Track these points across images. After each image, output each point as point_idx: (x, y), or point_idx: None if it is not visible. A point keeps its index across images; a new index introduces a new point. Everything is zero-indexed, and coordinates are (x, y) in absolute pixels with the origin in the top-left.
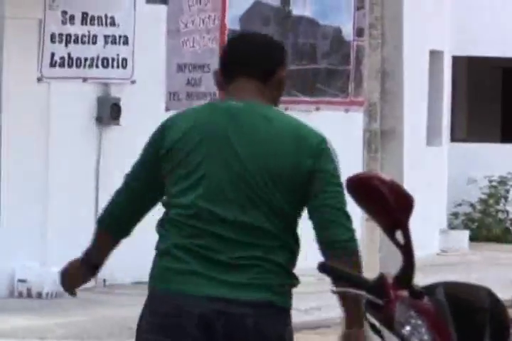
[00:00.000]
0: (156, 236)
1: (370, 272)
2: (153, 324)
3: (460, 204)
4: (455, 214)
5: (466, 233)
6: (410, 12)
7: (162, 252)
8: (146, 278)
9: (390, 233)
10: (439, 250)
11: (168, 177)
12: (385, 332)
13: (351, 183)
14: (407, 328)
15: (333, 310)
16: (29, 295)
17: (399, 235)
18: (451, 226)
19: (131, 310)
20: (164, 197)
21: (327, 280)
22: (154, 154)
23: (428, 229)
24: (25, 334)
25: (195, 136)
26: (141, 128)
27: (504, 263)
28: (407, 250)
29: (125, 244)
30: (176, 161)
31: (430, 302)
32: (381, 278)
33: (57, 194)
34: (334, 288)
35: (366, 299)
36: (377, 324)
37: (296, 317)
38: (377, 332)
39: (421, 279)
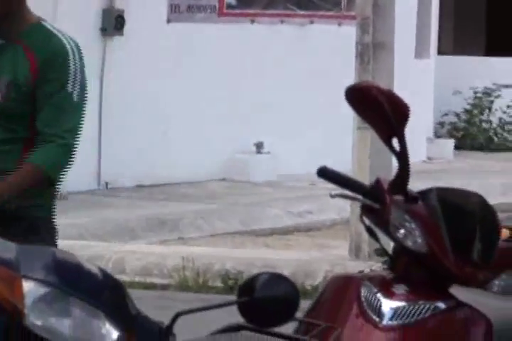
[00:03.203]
0: (154, 143)
1: (361, 178)
2: None
3: (446, 114)
4: (441, 124)
5: (452, 141)
6: None
7: None
8: (146, 181)
9: (386, 141)
10: (425, 157)
11: None
12: (380, 235)
13: (350, 93)
14: (402, 231)
15: (324, 213)
16: None
17: (395, 143)
18: (437, 135)
19: (133, 211)
20: None
21: (319, 185)
22: None
23: (415, 137)
24: None
25: None
26: (144, 39)
27: (487, 171)
28: (402, 156)
29: (126, 148)
30: None
31: (424, 206)
32: (377, 183)
33: None
34: (332, 192)
35: (363, 203)
36: (372, 226)
37: (289, 220)
38: (373, 234)
39: (411, 184)
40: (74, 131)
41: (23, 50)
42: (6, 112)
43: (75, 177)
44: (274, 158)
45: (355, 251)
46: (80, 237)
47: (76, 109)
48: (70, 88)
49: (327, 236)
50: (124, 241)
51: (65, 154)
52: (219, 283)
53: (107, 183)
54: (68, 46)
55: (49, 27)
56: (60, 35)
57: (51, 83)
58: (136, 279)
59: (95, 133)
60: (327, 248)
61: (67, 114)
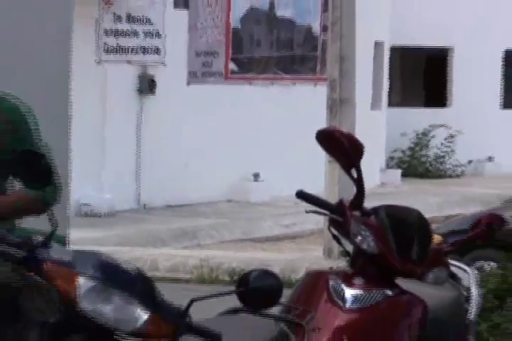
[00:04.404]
0: (179, 174)
1: (331, 199)
2: None
3: (395, 151)
4: (391, 158)
5: (399, 171)
6: (360, 12)
7: None
8: (173, 202)
9: (347, 170)
10: (379, 183)
11: None
12: (344, 241)
13: (320, 135)
14: (359, 238)
15: (305, 225)
16: (91, 215)
17: (353, 172)
18: (388, 166)
19: (163, 225)
20: None
21: (301, 204)
22: None
23: (372, 168)
24: (88, 243)
25: None
26: (170, 97)
27: (425, 193)
28: (359, 182)
29: (158, 178)
30: None
31: (375, 219)
32: (341, 202)
33: (112, 143)
34: (307, 209)
35: (330, 217)
36: (338, 235)
37: (279, 230)
38: (338, 240)
39: (367, 203)
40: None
41: None
42: None
43: (120, 200)
44: (267, 184)
45: (328, 253)
46: (124, 244)
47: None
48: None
49: (307, 242)
50: (156, 247)
51: (55, 190)
52: (227, 278)
53: (144, 205)
54: (15, 104)
55: None
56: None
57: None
58: (166, 275)
59: (135, 168)
60: (307, 251)
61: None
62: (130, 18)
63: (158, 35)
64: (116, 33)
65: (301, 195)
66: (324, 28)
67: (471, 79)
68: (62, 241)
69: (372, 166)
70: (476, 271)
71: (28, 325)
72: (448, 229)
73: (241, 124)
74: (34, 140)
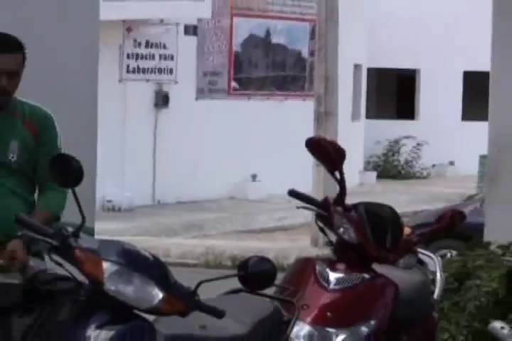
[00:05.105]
0: (188, 175)
1: (318, 197)
2: None
3: (371, 156)
4: (368, 162)
5: (374, 173)
6: (342, 39)
7: None
8: (184, 199)
9: (331, 172)
10: (358, 183)
11: None
12: (328, 232)
13: (308, 143)
14: (341, 229)
15: (295, 219)
16: (113, 210)
17: (337, 174)
18: (366, 169)
19: (175, 218)
20: None
21: (293, 201)
22: None
23: (352, 170)
24: (111, 233)
25: None
26: (181, 110)
27: (397, 192)
28: (341, 182)
29: (171, 178)
30: None
31: (355, 213)
32: (326, 199)
33: (132, 149)
34: (298, 205)
35: (317, 212)
36: (323, 227)
37: (273, 223)
38: (323, 232)
39: (348, 200)
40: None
41: (19, 119)
42: (19, 171)
43: (138, 197)
44: (264, 184)
45: (315, 243)
46: (142, 234)
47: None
48: (59, 144)
49: (297, 233)
50: (169, 236)
51: (64, 198)
52: (229, 263)
53: (159, 201)
54: (49, 112)
55: (26, 101)
56: (39, 105)
57: (46, 142)
58: (177, 261)
59: (151, 170)
60: (297, 240)
61: None
62: (148, 44)
63: (171, 58)
64: (137, 56)
65: (293, 193)
66: (311, 53)
67: (436, 96)
68: (90, 232)
69: (352, 169)
70: (439, 258)
71: (63, 302)
72: (416, 223)
73: (241, 133)
74: (60, 145)
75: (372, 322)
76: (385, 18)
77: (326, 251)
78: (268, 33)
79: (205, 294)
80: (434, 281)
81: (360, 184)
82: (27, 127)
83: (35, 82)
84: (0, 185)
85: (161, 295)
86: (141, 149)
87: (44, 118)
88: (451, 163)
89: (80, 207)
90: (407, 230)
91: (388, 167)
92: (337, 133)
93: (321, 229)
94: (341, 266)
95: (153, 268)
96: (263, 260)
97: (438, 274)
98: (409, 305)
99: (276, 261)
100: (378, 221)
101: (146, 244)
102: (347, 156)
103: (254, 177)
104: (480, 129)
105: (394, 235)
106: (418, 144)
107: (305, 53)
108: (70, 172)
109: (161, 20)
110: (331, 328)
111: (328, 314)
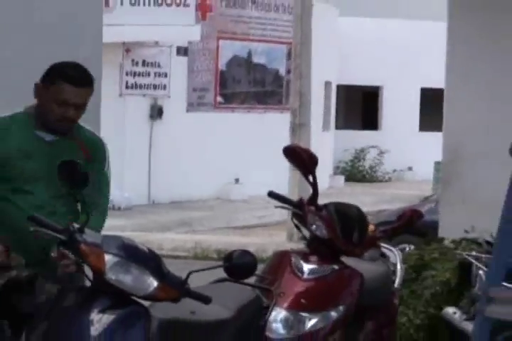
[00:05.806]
0: (180, 178)
1: (293, 197)
2: None
3: (340, 162)
4: (337, 167)
5: (343, 177)
6: (314, 59)
7: None
8: (176, 199)
9: (305, 176)
10: (328, 186)
11: None
12: (302, 229)
13: (285, 150)
14: (314, 226)
15: (273, 217)
16: (114, 209)
17: (310, 178)
18: (335, 174)
19: (168, 216)
20: None
21: (271, 202)
22: None
23: (323, 175)
24: (112, 230)
25: None
26: (174, 121)
27: (362, 193)
28: (314, 185)
29: (164, 180)
30: None
31: (326, 212)
32: (301, 200)
33: (130, 155)
34: (275, 205)
35: (293, 211)
36: (298, 224)
37: (254, 220)
38: (298, 228)
39: (319, 201)
40: (107, 197)
41: (77, 143)
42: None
43: (135, 197)
44: (245, 186)
45: (290, 238)
46: (139, 230)
47: (108, 182)
48: (106, 168)
49: (275, 230)
50: (163, 232)
51: (103, 221)
52: (215, 256)
53: (153, 201)
54: (102, 139)
55: (83, 125)
56: (94, 132)
57: (96, 164)
58: (169, 253)
59: (147, 172)
60: (275, 236)
61: (103, 186)
62: (144, 63)
63: (165, 75)
64: (134, 74)
65: (271, 195)
66: (288, 71)
67: (396, 109)
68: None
69: (323, 173)
70: (399, 252)
71: (69, 289)
72: (379, 220)
73: (226, 141)
74: (107, 169)
75: (341, 308)
76: (352, 41)
77: (301, 245)
78: (250, 54)
79: (195, 283)
80: (394, 272)
81: (330, 187)
82: (83, 150)
83: None
84: (52, 205)
85: (155, 283)
86: (139, 155)
87: (96, 144)
88: (410, 169)
89: (84, 207)
90: (371, 227)
91: (355, 172)
92: (310, 142)
93: (296, 226)
94: (314, 258)
95: (149, 260)
96: (245, 253)
97: (398, 266)
98: (373, 292)
99: (256, 253)
100: (346, 219)
101: (142, 238)
102: (319, 162)
103: (237, 180)
104: (435, 139)
105: (360, 231)
106: (381, 152)
107: (282, 71)
108: (76, 177)
109: (156, 42)
110: (304, 313)
111: (302, 300)
